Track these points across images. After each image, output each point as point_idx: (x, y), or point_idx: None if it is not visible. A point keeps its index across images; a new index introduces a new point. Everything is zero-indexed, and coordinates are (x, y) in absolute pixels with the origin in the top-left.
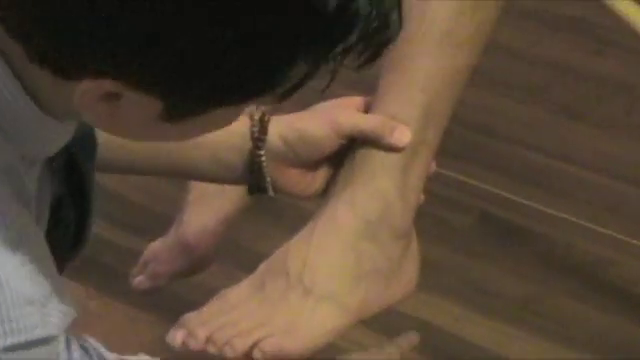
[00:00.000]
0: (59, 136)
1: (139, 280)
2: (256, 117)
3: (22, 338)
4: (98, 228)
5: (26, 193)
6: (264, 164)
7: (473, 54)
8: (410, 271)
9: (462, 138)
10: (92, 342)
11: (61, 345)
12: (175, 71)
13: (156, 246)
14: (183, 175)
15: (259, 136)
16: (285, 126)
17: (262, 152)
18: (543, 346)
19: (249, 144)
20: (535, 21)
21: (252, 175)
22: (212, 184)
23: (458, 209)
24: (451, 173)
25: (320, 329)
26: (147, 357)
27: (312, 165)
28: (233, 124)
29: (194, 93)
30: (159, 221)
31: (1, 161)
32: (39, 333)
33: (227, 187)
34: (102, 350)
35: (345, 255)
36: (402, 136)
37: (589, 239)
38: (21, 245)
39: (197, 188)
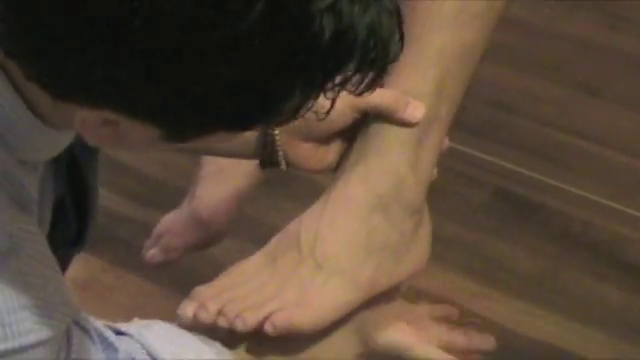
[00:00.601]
0: (60, 143)
1: (152, 253)
2: None
3: (16, 343)
4: (113, 202)
5: (25, 197)
6: (277, 138)
7: (486, 29)
8: (421, 247)
9: (478, 114)
10: (91, 320)
11: (62, 340)
12: (170, 107)
13: (169, 219)
14: (198, 150)
15: None
16: None
17: (274, 131)
18: (558, 323)
19: None
20: None
21: (265, 149)
22: (226, 159)
23: (474, 185)
24: (467, 149)
25: (331, 303)
26: (139, 320)
27: (325, 139)
28: None
29: (190, 124)
30: (174, 195)
31: None
32: (34, 337)
33: (241, 162)
34: (102, 329)
35: (357, 229)
36: (415, 111)
37: (606, 216)
38: (16, 251)
39: (210, 163)
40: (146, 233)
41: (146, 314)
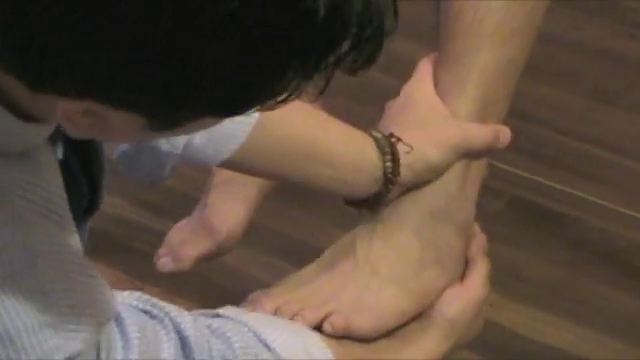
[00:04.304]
0: (44, 132)
1: (163, 262)
2: (387, 149)
3: None
4: (131, 213)
5: (43, 197)
6: (389, 195)
7: (526, 42)
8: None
9: None
10: (163, 306)
11: (116, 337)
12: (155, 95)
13: (180, 227)
14: (305, 185)
15: (392, 176)
16: (414, 158)
17: (393, 188)
18: (575, 331)
19: (380, 177)
20: (568, 6)
21: (369, 200)
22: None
23: (490, 194)
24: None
25: (388, 310)
26: (233, 307)
27: None
28: (365, 148)
29: (178, 111)
30: (192, 206)
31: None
32: (61, 354)
33: None
34: (179, 320)
35: (410, 243)
36: (505, 138)
37: (622, 224)
38: (35, 266)
39: (222, 171)
40: (162, 243)
41: None
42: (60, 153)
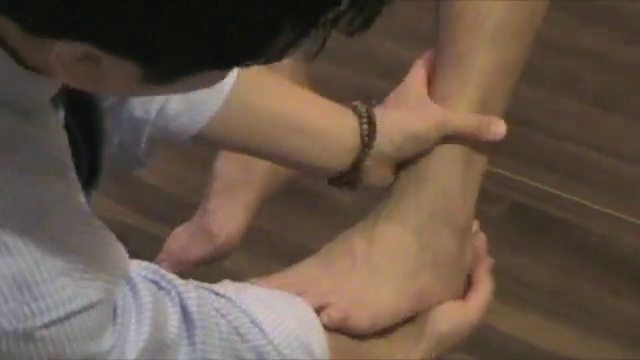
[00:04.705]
0: (53, 85)
1: (163, 267)
2: (364, 114)
3: (61, 312)
4: (126, 216)
5: (47, 153)
6: (367, 164)
7: (525, 44)
8: (464, 272)
9: None
10: (171, 279)
11: (129, 300)
12: (150, 39)
13: (179, 232)
14: (280, 160)
15: (369, 140)
16: (392, 126)
17: (369, 152)
18: (575, 337)
19: (358, 143)
20: (567, 11)
21: (348, 172)
22: (237, 174)
23: (489, 199)
24: None
25: (386, 307)
26: (232, 283)
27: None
28: (342, 115)
29: (173, 60)
30: (189, 210)
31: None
32: (81, 302)
33: (252, 177)
34: (185, 295)
35: (409, 244)
36: (498, 129)
37: (622, 230)
38: (43, 217)
39: (222, 177)
40: (159, 247)
41: None
42: (61, 117)
